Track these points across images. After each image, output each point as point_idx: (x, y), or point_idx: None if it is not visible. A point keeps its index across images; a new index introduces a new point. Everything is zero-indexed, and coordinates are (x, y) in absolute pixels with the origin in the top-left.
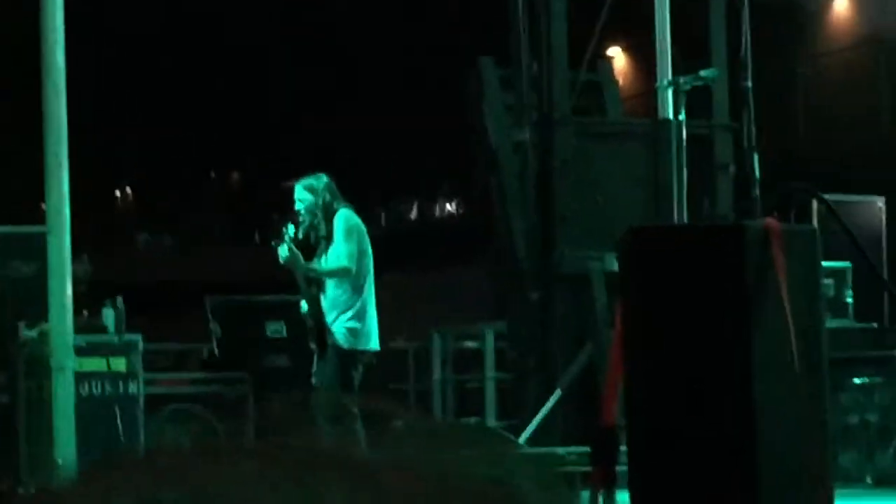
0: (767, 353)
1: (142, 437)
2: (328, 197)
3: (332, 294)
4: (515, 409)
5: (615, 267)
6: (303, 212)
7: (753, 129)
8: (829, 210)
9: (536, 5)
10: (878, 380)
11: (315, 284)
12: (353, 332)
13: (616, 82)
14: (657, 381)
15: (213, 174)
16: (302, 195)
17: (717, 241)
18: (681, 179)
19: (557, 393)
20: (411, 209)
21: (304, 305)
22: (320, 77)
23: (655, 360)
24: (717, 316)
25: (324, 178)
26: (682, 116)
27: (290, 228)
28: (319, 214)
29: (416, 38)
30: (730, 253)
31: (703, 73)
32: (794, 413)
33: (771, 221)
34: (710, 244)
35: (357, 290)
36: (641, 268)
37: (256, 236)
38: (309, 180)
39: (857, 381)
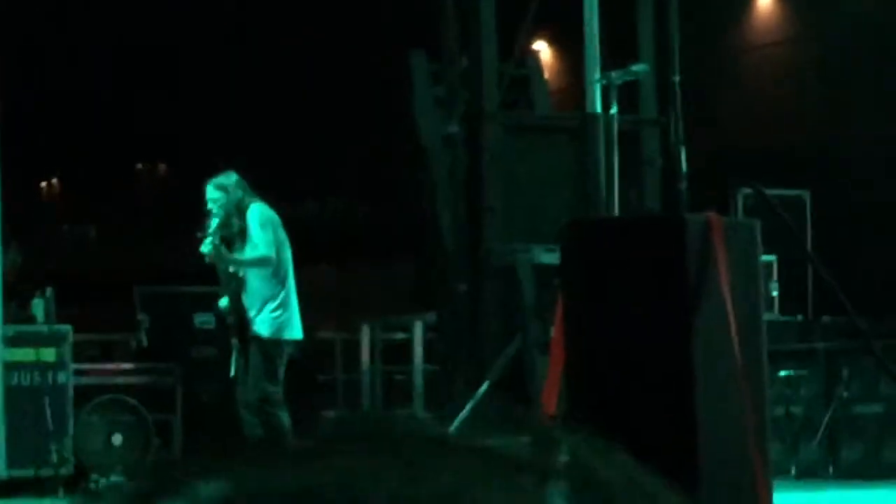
0: (708, 346)
1: (71, 428)
2: (239, 193)
3: (253, 286)
4: (444, 401)
5: (543, 260)
6: (215, 209)
7: (681, 124)
8: (768, 204)
9: None
10: (803, 372)
11: (235, 280)
12: (276, 322)
13: (544, 76)
14: (598, 374)
15: (139, 165)
16: (213, 194)
17: (659, 234)
18: (611, 174)
19: (486, 384)
20: (340, 202)
21: (223, 301)
22: (247, 67)
23: (596, 352)
24: (657, 308)
25: (233, 176)
26: (613, 111)
27: (214, 222)
28: (232, 210)
29: (345, 31)
30: (671, 245)
31: (633, 67)
32: (734, 405)
33: (712, 215)
34: (651, 237)
35: (278, 280)
36: (581, 261)
37: (182, 227)
38: (219, 179)
39: (782, 373)
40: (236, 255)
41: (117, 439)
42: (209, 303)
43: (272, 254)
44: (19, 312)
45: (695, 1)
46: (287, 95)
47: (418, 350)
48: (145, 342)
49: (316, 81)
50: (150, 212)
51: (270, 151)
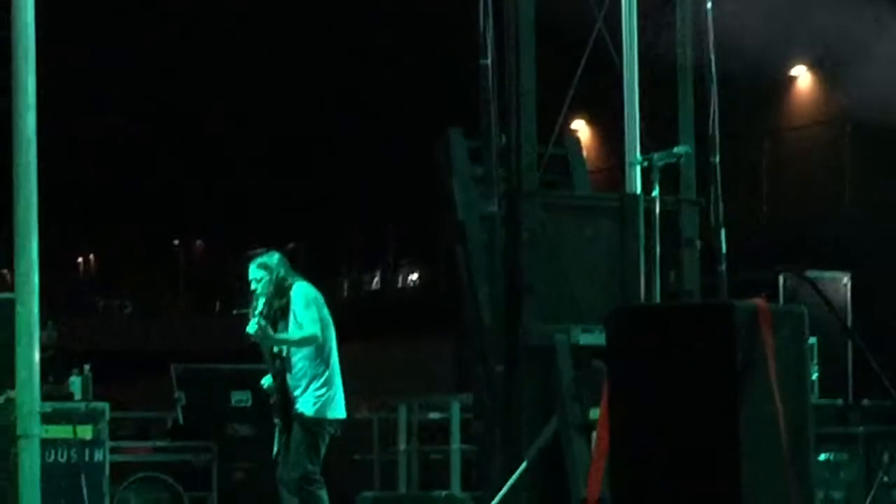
0: (755, 435)
1: None
2: (282, 272)
3: (298, 365)
4: (480, 481)
5: (581, 340)
6: (259, 288)
7: (721, 205)
8: (814, 288)
9: (506, 78)
10: (843, 456)
11: (279, 359)
12: (321, 401)
13: (583, 156)
14: (643, 460)
15: (176, 242)
16: (256, 273)
17: (706, 320)
18: (652, 255)
19: (523, 465)
20: (374, 279)
21: (267, 380)
22: (284, 147)
23: (641, 439)
24: (704, 396)
25: (276, 255)
26: (656, 193)
27: (259, 302)
28: (273, 290)
29: (382, 106)
30: (720, 332)
31: (676, 149)
32: (781, 495)
33: (760, 302)
34: (698, 323)
35: (323, 359)
36: (628, 347)
37: (218, 305)
38: (262, 258)
39: (822, 457)
40: (282, 335)
41: None
42: (246, 381)
43: (318, 332)
44: (56, 389)
45: (734, 83)
46: (322, 173)
47: (455, 430)
48: (181, 420)
49: (350, 158)
50: (186, 288)
51: (304, 227)
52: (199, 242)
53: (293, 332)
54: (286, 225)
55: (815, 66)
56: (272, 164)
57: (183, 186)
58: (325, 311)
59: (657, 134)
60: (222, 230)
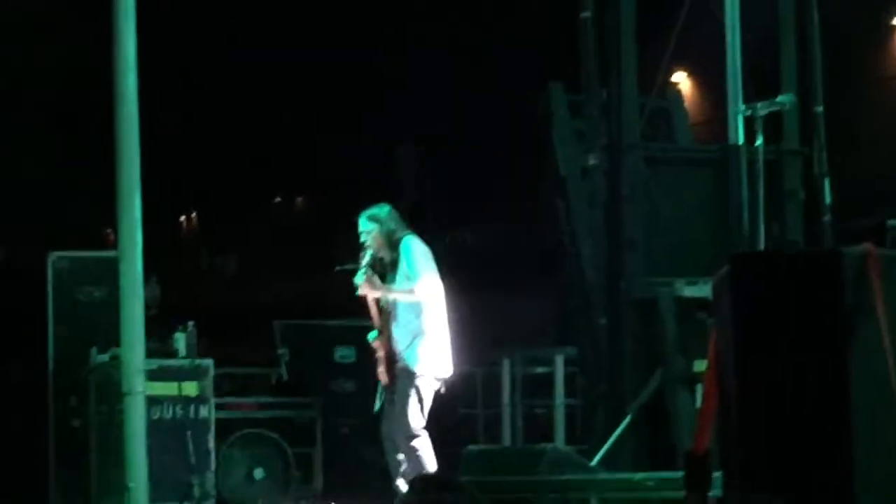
0: (865, 382)
1: (213, 462)
2: (392, 225)
3: (403, 320)
4: (585, 435)
5: (685, 293)
6: (368, 241)
7: (824, 155)
8: None
9: (606, 31)
10: None
11: (385, 313)
12: (426, 356)
13: (684, 108)
14: (752, 409)
15: (278, 198)
16: (366, 226)
17: (815, 268)
18: (755, 206)
19: (628, 418)
20: (475, 232)
21: (373, 334)
22: (387, 106)
23: (750, 388)
24: (814, 344)
25: (386, 207)
26: (759, 142)
27: (367, 255)
28: (384, 243)
29: (483, 60)
30: (829, 280)
31: (779, 98)
32: (891, 439)
33: (869, 247)
34: (808, 270)
35: (429, 314)
36: (739, 295)
37: (321, 261)
38: (372, 210)
39: None
40: (390, 286)
41: (258, 473)
42: (349, 337)
43: (425, 286)
44: (160, 347)
45: (836, 32)
46: (420, 129)
47: (559, 384)
48: (285, 376)
49: (449, 115)
50: (288, 244)
51: (404, 183)
52: (299, 199)
53: (401, 284)
54: (386, 181)
55: None
56: (371, 119)
57: (283, 141)
58: (434, 265)
59: (759, 87)
60: (324, 187)
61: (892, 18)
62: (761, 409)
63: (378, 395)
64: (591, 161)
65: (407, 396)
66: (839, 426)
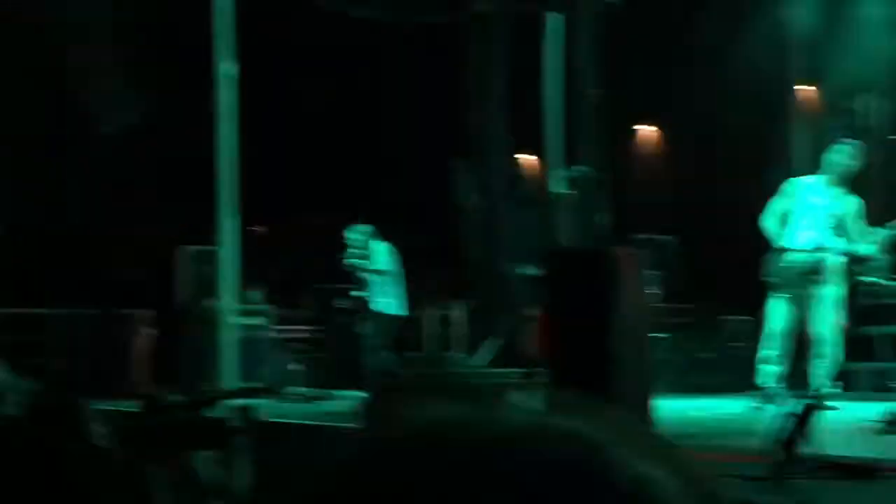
0: (623, 324)
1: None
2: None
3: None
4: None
5: (528, 273)
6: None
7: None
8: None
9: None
10: None
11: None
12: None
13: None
14: (563, 337)
15: None
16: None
17: (594, 260)
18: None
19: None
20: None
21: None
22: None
23: (563, 327)
24: (594, 302)
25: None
26: (567, 191)
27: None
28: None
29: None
30: (601, 268)
31: (578, 168)
32: (634, 352)
33: (624, 248)
34: (591, 261)
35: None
36: (554, 274)
37: None
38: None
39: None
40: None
41: None
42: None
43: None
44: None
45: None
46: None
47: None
48: None
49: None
50: None
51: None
52: None
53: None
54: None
55: None
56: None
57: None
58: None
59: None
60: None
61: (635, 124)
62: (565, 341)
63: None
64: (477, 200)
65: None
66: (605, 351)
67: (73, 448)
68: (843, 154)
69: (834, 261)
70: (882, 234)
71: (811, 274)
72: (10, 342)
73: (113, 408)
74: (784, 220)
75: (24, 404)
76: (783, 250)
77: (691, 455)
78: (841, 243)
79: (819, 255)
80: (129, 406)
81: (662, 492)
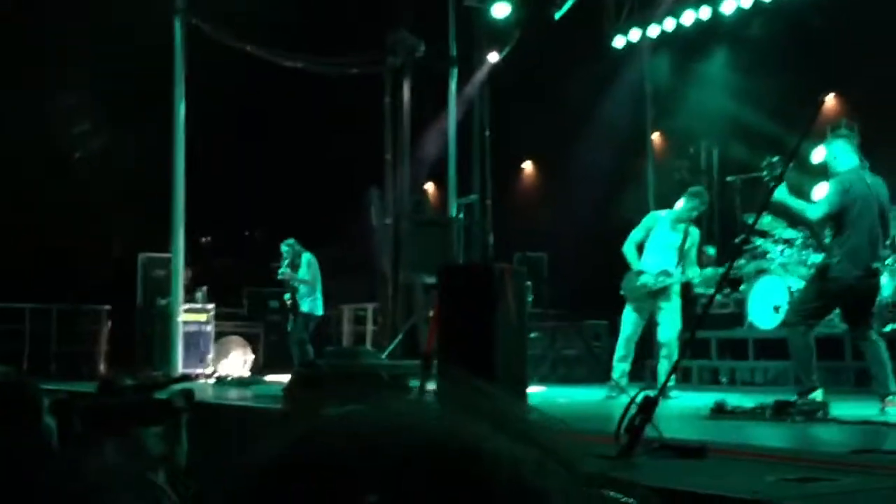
0: (504, 325)
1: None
2: (297, 248)
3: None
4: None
5: (427, 281)
6: (285, 255)
7: (489, 223)
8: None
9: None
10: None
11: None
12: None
13: (429, 198)
14: (452, 336)
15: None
16: (284, 249)
17: (482, 272)
18: (457, 241)
19: (400, 335)
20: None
21: (287, 296)
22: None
23: (451, 326)
24: (480, 307)
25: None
26: (461, 215)
27: (284, 263)
28: (291, 259)
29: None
30: (487, 278)
31: (470, 197)
32: (512, 349)
33: (506, 265)
34: (479, 273)
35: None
36: (446, 285)
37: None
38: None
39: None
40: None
41: None
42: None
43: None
44: (189, 297)
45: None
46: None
47: (370, 320)
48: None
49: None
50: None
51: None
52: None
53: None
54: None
55: None
56: None
57: None
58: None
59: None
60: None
61: (525, 161)
62: (455, 336)
63: (290, 323)
64: (387, 220)
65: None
66: (490, 343)
67: (20, 420)
68: (694, 197)
69: (676, 282)
70: (710, 271)
71: (658, 292)
72: None
73: (77, 389)
74: (641, 246)
75: None
76: (638, 272)
77: (563, 436)
78: (682, 269)
79: (665, 278)
80: (90, 387)
81: (536, 471)
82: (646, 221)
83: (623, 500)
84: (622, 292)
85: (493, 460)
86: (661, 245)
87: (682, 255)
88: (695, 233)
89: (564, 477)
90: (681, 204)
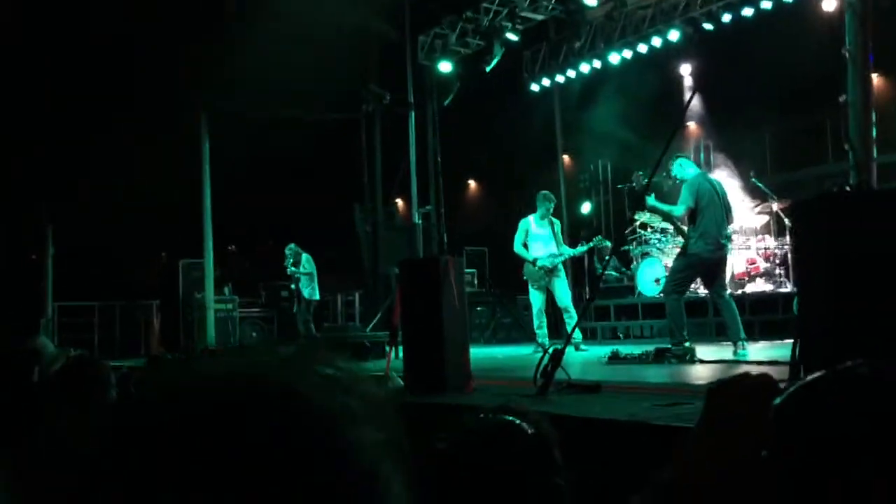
0: (448, 302)
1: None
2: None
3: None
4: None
5: (394, 272)
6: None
7: (444, 228)
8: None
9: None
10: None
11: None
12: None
13: (400, 210)
14: (410, 314)
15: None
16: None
17: (432, 263)
18: (417, 243)
19: (378, 314)
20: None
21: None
22: None
23: (411, 305)
24: (430, 289)
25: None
26: (420, 220)
27: (289, 261)
28: (292, 259)
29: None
30: (435, 268)
31: (427, 207)
32: (454, 319)
33: (449, 257)
34: (429, 264)
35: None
36: (406, 273)
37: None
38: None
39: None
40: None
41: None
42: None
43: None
44: (219, 292)
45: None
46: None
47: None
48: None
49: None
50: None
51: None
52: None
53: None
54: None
55: None
56: None
57: None
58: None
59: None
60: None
61: (469, 179)
62: (413, 312)
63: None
64: (367, 228)
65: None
66: (437, 324)
67: (93, 391)
68: (544, 199)
69: (560, 259)
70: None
71: (552, 270)
72: (71, 323)
73: (132, 364)
74: (526, 241)
75: (63, 366)
76: (533, 260)
77: (378, 390)
78: (562, 250)
79: (552, 259)
80: (139, 362)
81: (342, 401)
82: (521, 226)
83: (517, 422)
84: (525, 278)
85: (306, 395)
86: (537, 238)
87: (557, 240)
88: (556, 222)
89: (369, 408)
90: (541, 207)
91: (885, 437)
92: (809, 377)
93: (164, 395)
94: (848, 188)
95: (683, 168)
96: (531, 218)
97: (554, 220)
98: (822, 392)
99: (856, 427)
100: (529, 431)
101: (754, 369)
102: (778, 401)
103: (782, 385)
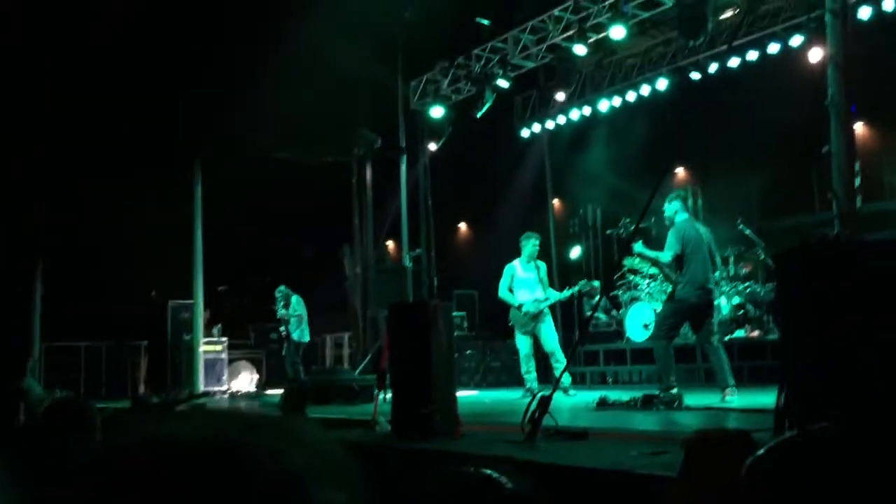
0: (437, 346)
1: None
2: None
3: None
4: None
5: (381, 315)
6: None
7: (435, 272)
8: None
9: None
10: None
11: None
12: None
13: (390, 253)
14: (400, 356)
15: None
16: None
17: (421, 307)
18: (407, 284)
19: (369, 356)
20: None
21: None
22: None
23: (399, 349)
24: (419, 334)
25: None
26: (410, 263)
27: (280, 305)
28: (283, 301)
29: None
30: (424, 313)
31: (416, 251)
32: (442, 364)
33: (438, 301)
34: (419, 307)
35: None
36: (395, 317)
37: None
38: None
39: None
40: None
41: None
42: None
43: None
44: (208, 333)
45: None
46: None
47: (345, 346)
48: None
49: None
50: None
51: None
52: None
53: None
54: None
55: None
56: None
57: None
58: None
59: (413, 243)
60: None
61: (460, 222)
62: (402, 356)
63: (284, 349)
64: (357, 269)
65: (295, 352)
66: (425, 369)
67: (79, 433)
68: (527, 239)
69: (546, 304)
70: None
71: (537, 315)
72: (57, 363)
73: (116, 405)
74: (512, 287)
75: (48, 408)
76: (518, 306)
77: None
78: (547, 294)
79: (537, 304)
80: (125, 404)
81: (289, 459)
82: (507, 272)
83: (496, 476)
84: (511, 323)
85: (249, 454)
86: (523, 283)
87: (543, 284)
88: (542, 265)
89: (319, 463)
90: (526, 251)
91: (848, 497)
92: (780, 438)
93: (123, 459)
94: (826, 239)
95: (678, 211)
96: (517, 262)
97: (540, 263)
98: (791, 453)
99: (822, 488)
100: (508, 486)
101: (741, 417)
102: (750, 460)
103: (764, 434)
